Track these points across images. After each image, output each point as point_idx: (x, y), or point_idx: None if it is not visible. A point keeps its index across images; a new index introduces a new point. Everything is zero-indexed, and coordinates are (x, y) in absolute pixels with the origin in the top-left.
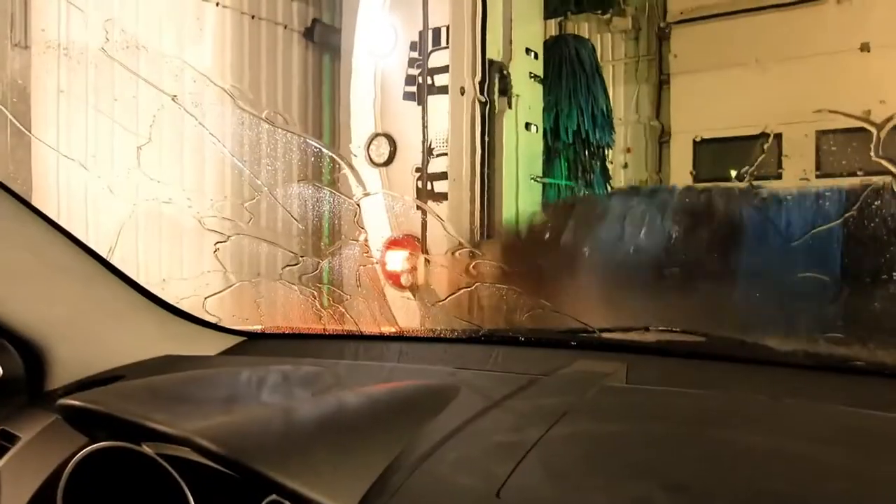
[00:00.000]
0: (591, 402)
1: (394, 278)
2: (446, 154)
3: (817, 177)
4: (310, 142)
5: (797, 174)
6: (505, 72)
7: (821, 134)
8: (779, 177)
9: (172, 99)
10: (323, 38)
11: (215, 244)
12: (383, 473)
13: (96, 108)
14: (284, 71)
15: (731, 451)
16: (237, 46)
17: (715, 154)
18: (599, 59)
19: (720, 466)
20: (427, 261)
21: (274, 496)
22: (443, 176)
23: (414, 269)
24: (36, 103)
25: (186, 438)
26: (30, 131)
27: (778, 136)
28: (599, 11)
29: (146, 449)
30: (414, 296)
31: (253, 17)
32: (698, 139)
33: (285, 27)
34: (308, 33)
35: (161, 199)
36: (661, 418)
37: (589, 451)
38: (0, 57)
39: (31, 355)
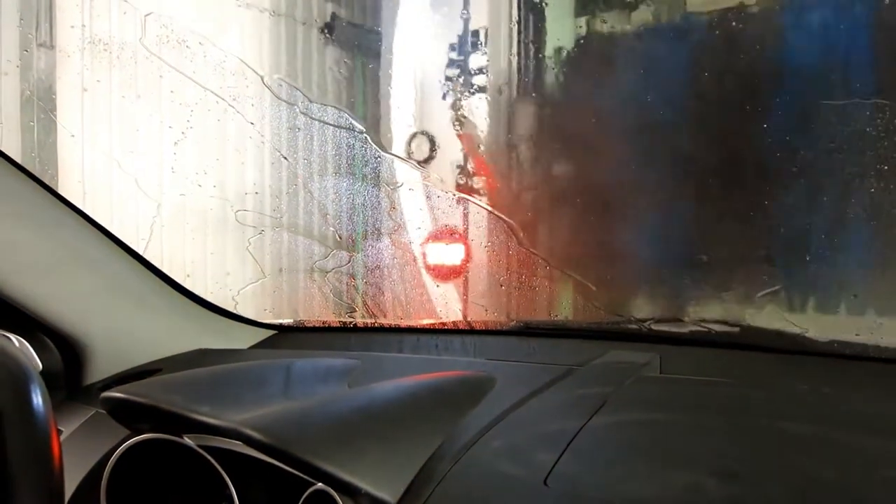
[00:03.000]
0: (629, 391)
1: (436, 271)
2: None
3: None
4: (365, 139)
5: None
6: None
7: None
8: None
9: (228, 103)
10: (344, 34)
11: (249, 239)
12: (427, 463)
13: (128, 105)
14: (304, 66)
15: (776, 439)
16: (256, 41)
17: None
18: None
19: (768, 454)
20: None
21: (320, 485)
22: (479, 172)
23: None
24: (62, 102)
25: (234, 429)
26: (57, 130)
27: None
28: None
29: (188, 441)
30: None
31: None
32: None
33: (304, 23)
34: (328, 28)
35: (191, 196)
36: (702, 408)
37: (633, 440)
38: (26, 57)
39: (69, 350)
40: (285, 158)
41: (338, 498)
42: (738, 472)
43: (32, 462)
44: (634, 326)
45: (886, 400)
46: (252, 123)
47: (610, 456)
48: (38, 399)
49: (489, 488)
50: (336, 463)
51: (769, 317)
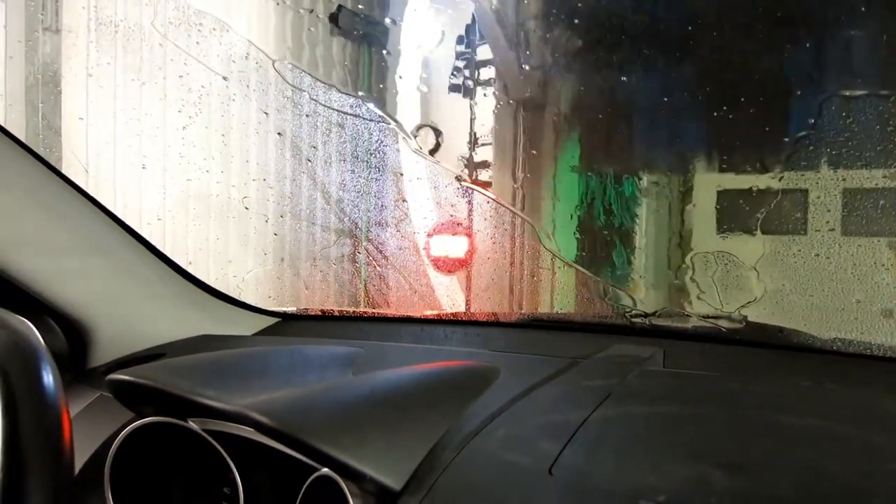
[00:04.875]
0: (633, 384)
1: (439, 263)
2: (491, 144)
3: None
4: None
5: None
6: None
7: None
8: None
9: (251, 91)
10: (349, 24)
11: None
12: (432, 450)
13: (138, 88)
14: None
15: (781, 433)
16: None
17: None
18: None
19: (773, 447)
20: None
21: (325, 470)
22: (487, 165)
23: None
24: (66, 87)
25: (240, 413)
26: (61, 117)
27: None
28: None
29: (192, 424)
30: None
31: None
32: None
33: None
34: (333, 19)
35: (198, 183)
36: (706, 401)
37: (638, 432)
38: (32, 41)
39: (74, 333)
40: (314, 147)
41: (343, 483)
42: (743, 465)
43: (43, 440)
44: (638, 321)
45: (888, 397)
46: (265, 114)
47: (615, 447)
48: (49, 378)
49: (494, 477)
50: (342, 448)
51: None
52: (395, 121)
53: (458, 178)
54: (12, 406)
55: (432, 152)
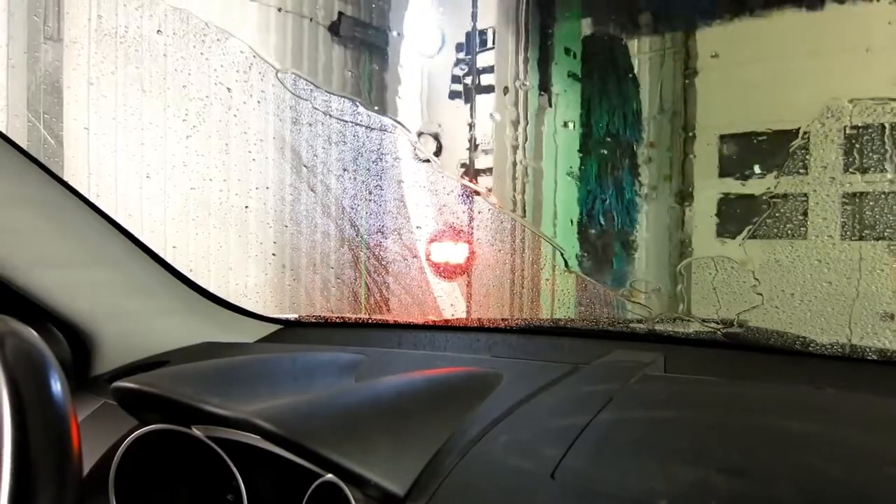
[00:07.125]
0: (634, 389)
1: (439, 269)
2: (491, 150)
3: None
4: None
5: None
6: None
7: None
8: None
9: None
10: (350, 31)
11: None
12: (435, 456)
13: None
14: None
15: (782, 437)
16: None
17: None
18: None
19: (774, 452)
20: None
21: (329, 476)
22: (487, 171)
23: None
24: (69, 96)
25: (245, 420)
26: (63, 126)
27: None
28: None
29: (196, 432)
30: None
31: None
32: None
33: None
34: (334, 27)
35: (201, 190)
36: (707, 406)
37: (640, 436)
38: (35, 51)
39: (78, 341)
40: (315, 155)
41: (346, 489)
42: (744, 469)
43: (52, 447)
44: (639, 326)
45: (889, 401)
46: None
47: (617, 451)
48: (57, 386)
49: (497, 481)
50: (346, 454)
51: None
52: (401, 124)
53: (474, 191)
54: (22, 414)
55: (435, 154)
